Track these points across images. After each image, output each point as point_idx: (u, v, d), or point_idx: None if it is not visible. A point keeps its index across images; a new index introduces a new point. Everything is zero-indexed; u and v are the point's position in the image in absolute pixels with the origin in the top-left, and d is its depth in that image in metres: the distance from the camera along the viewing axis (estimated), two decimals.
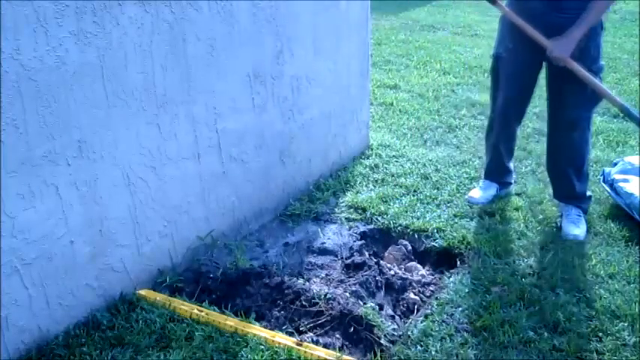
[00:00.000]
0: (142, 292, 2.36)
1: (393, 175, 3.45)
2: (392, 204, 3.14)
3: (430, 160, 3.64)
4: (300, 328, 2.22)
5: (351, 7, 3.39)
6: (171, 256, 2.51)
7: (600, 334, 2.21)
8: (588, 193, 3.04)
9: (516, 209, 3.08)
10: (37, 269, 1.99)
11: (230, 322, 2.20)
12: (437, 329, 2.22)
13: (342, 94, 3.48)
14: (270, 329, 2.20)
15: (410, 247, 2.82)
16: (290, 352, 2.05)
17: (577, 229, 2.85)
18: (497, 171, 3.23)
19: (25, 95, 1.84)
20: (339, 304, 2.25)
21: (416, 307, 2.40)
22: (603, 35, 2.79)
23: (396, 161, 3.63)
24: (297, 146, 3.15)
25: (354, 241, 2.84)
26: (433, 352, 2.11)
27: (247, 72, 2.70)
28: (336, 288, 2.39)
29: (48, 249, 2.01)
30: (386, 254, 2.78)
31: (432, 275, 2.66)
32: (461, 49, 6.43)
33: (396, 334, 2.21)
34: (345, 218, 3.04)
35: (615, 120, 4.48)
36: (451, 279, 2.54)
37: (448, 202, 3.16)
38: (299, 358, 2.04)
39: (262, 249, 2.81)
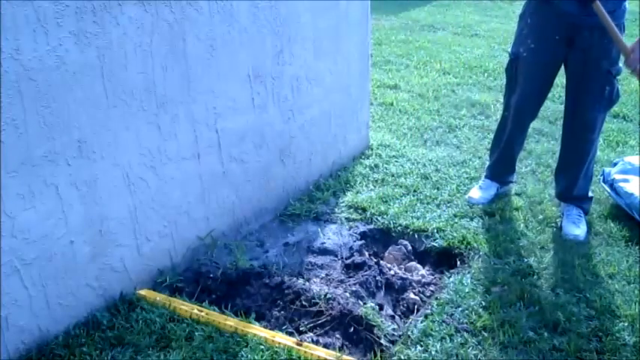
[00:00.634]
0: (142, 292, 2.36)
1: (393, 175, 3.45)
2: (392, 204, 3.14)
3: (430, 160, 3.64)
4: (300, 328, 2.22)
5: (351, 7, 3.39)
6: (171, 256, 2.51)
7: (600, 334, 2.21)
8: (590, 193, 3.04)
9: (516, 209, 3.08)
10: (37, 269, 1.99)
11: (230, 322, 2.20)
12: (437, 329, 2.22)
13: (342, 94, 3.48)
14: (270, 329, 2.20)
15: (410, 247, 2.82)
16: (290, 352, 2.05)
17: (577, 230, 2.86)
18: (504, 170, 3.23)
19: (25, 95, 1.84)
20: (339, 304, 2.25)
21: (416, 307, 2.40)
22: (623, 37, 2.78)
23: (396, 161, 3.63)
24: (297, 146, 3.15)
25: (354, 241, 2.84)
26: (433, 352, 2.11)
27: (247, 72, 2.70)
28: (336, 288, 2.39)
29: (48, 249, 2.01)
30: (386, 254, 2.78)
31: (432, 275, 2.66)
32: (461, 49, 6.43)
33: (396, 334, 2.21)
34: (345, 218, 3.04)
35: (615, 120, 4.49)
36: (451, 279, 2.54)
37: (448, 202, 3.16)
38: (299, 358, 2.04)
39: (262, 249, 2.81)
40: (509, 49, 3.01)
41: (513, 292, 2.42)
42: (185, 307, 2.27)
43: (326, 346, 2.11)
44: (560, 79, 3.02)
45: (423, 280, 2.59)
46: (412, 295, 2.46)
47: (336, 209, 3.12)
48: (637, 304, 2.36)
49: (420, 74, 5.51)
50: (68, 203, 2.04)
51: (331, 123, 3.42)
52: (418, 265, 2.70)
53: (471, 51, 6.32)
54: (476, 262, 2.64)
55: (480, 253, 2.71)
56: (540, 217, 3.02)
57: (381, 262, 2.64)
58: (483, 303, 2.37)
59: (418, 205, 3.13)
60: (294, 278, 2.46)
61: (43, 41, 1.85)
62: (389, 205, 3.13)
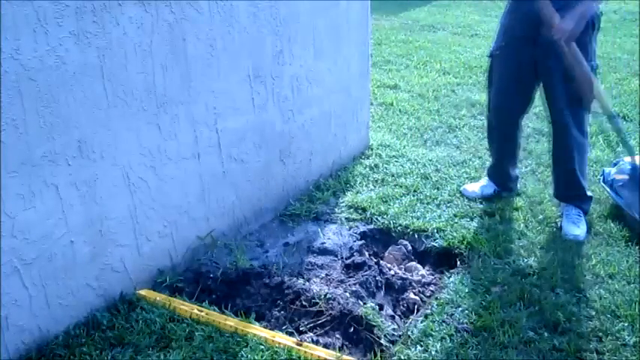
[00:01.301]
0: (142, 292, 2.36)
1: (393, 175, 3.45)
2: (392, 204, 3.14)
3: (430, 160, 3.64)
4: (300, 328, 2.22)
5: (351, 7, 3.39)
6: (171, 256, 2.51)
7: (600, 334, 2.21)
8: (589, 193, 3.04)
9: (516, 209, 3.08)
10: (37, 269, 1.99)
11: (230, 322, 2.20)
12: (437, 329, 2.22)
13: (342, 94, 3.48)
14: (270, 329, 2.20)
15: (410, 247, 2.82)
16: (290, 352, 2.05)
17: (577, 229, 2.85)
18: (498, 173, 3.24)
19: (25, 95, 1.84)
20: (339, 304, 2.25)
21: (416, 307, 2.40)
22: (595, 35, 2.79)
23: (396, 161, 3.63)
24: (297, 146, 3.15)
25: (354, 241, 2.84)
26: (433, 352, 2.11)
27: (247, 72, 2.70)
28: (336, 288, 2.39)
29: (48, 249, 2.01)
30: (386, 254, 2.78)
31: (432, 275, 2.66)
32: (461, 49, 6.44)
33: (396, 334, 2.21)
34: (345, 218, 3.04)
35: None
36: (451, 279, 2.54)
37: (448, 202, 3.16)
38: (299, 358, 2.04)
39: (262, 249, 2.81)
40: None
41: (513, 292, 2.42)
42: (185, 307, 2.27)
43: (326, 346, 2.11)
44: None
45: (423, 280, 2.59)
46: (412, 295, 2.45)
47: (336, 209, 3.12)
48: (637, 304, 2.35)
49: (420, 74, 5.52)
50: (68, 203, 2.04)
51: (331, 123, 3.42)
52: (418, 265, 2.70)
53: (471, 51, 6.32)
54: (476, 262, 2.64)
55: (480, 253, 2.71)
56: (540, 217, 3.02)
57: (381, 262, 2.64)
58: (483, 303, 2.37)
59: (418, 205, 3.13)
60: (294, 278, 2.46)
61: (43, 41, 1.85)
62: (389, 205, 3.12)
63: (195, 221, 2.59)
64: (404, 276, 2.57)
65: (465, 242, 2.79)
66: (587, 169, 3.06)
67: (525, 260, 2.65)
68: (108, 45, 2.05)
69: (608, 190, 3.11)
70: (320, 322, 2.23)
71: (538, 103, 4.75)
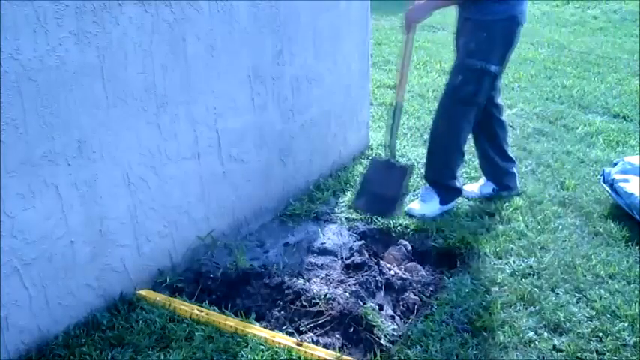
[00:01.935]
0: (142, 292, 2.36)
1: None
2: None
3: None
4: (300, 328, 2.22)
5: (351, 7, 3.39)
6: (171, 256, 2.51)
7: (600, 334, 2.21)
8: (447, 182, 3.07)
9: (516, 209, 3.08)
10: (37, 269, 1.99)
11: (230, 322, 2.20)
12: (437, 329, 2.22)
13: (342, 94, 3.48)
14: (270, 329, 2.20)
15: (410, 247, 2.82)
16: (290, 352, 2.05)
17: (418, 206, 3.02)
18: (492, 172, 3.25)
19: (25, 95, 1.84)
20: (339, 304, 2.25)
21: (416, 307, 2.40)
22: (494, 40, 2.81)
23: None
24: (297, 146, 3.15)
25: (354, 241, 2.84)
26: (433, 352, 2.11)
27: (247, 72, 2.70)
28: (336, 288, 2.39)
29: (48, 249, 2.01)
30: (386, 254, 2.77)
31: (432, 275, 2.66)
32: None
33: (396, 334, 2.21)
34: (345, 218, 3.04)
35: (615, 120, 4.49)
36: (451, 279, 2.54)
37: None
38: (299, 358, 2.04)
39: (262, 249, 2.81)
40: None
41: (513, 292, 2.42)
42: (185, 307, 2.27)
43: (326, 346, 2.11)
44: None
45: (423, 280, 2.59)
46: (412, 295, 2.45)
47: (336, 209, 3.12)
48: (637, 304, 2.35)
49: (420, 74, 5.51)
50: (68, 203, 2.04)
51: (331, 123, 3.42)
52: (418, 265, 2.70)
53: None
54: (476, 262, 2.64)
55: (480, 253, 2.71)
56: (540, 217, 3.02)
57: (381, 262, 2.64)
58: (483, 303, 2.37)
59: None
60: (294, 278, 2.46)
61: (43, 41, 1.85)
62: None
63: (195, 221, 2.59)
64: (404, 276, 2.57)
65: (465, 242, 2.79)
66: (453, 159, 3.09)
67: (525, 260, 2.65)
68: (108, 45, 2.05)
69: (608, 190, 3.11)
70: (320, 322, 2.23)
71: (538, 103, 4.78)
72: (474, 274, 2.56)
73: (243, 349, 2.07)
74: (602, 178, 3.22)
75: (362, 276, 2.46)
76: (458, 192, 3.12)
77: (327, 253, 2.75)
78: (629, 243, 2.79)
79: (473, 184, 3.30)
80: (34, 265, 1.98)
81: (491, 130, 3.18)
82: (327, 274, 2.54)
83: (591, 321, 2.28)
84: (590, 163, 3.68)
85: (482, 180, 3.29)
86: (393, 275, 2.53)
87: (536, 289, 2.44)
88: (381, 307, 2.33)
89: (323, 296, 2.29)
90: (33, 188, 1.92)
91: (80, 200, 2.08)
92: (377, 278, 2.46)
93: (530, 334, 2.20)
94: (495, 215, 3.03)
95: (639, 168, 3.11)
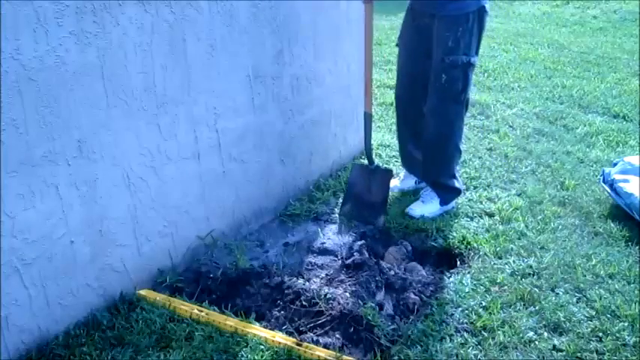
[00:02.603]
0: (142, 292, 2.36)
1: (396, 174, 3.45)
2: (392, 204, 3.14)
3: None
4: (300, 328, 2.22)
5: (351, 7, 3.39)
6: (171, 256, 2.51)
7: (600, 334, 2.21)
8: (450, 183, 3.09)
9: (516, 209, 3.08)
10: (37, 269, 1.99)
11: (230, 322, 2.20)
12: (437, 329, 2.22)
13: (342, 94, 3.48)
14: (270, 329, 2.20)
15: (410, 247, 2.82)
16: (290, 352, 2.05)
17: (419, 208, 3.03)
18: (407, 162, 3.30)
19: (25, 95, 1.84)
20: (339, 304, 2.25)
21: (416, 307, 2.40)
22: (474, 29, 2.81)
23: (396, 161, 3.63)
24: (297, 146, 3.15)
25: (354, 241, 2.84)
26: (433, 352, 2.11)
27: (247, 72, 2.70)
28: (336, 288, 2.39)
29: (48, 249, 2.01)
30: (386, 254, 2.77)
31: (432, 275, 2.66)
32: None
33: (396, 334, 2.21)
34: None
35: (615, 120, 4.49)
36: (451, 279, 2.54)
37: None
38: (299, 358, 2.04)
39: (262, 249, 2.81)
40: None
41: (513, 292, 2.42)
42: (185, 307, 2.27)
43: (326, 346, 2.11)
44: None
45: (423, 280, 2.59)
46: (412, 295, 2.45)
47: (336, 209, 3.12)
48: (637, 304, 2.36)
49: None
50: (68, 203, 2.04)
51: (331, 123, 3.42)
52: (418, 265, 2.70)
53: None
54: (476, 262, 2.64)
55: (480, 253, 2.71)
56: (540, 217, 3.02)
57: (381, 262, 2.64)
58: (483, 303, 2.37)
59: None
60: (294, 278, 2.46)
61: (43, 41, 1.85)
62: (389, 204, 3.12)
63: (195, 221, 2.59)
64: (404, 276, 2.56)
65: (465, 242, 2.79)
66: (451, 158, 3.09)
67: (525, 260, 2.65)
68: (108, 45, 2.05)
69: (608, 190, 3.12)
70: (320, 322, 2.23)
71: (539, 103, 4.78)
72: (474, 274, 2.56)
73: (243, 349, 2.07)
74: (602, 178, 3.22)
75: (362, 276, 2.46)
76: (458, 192, 3.12)
77: (327, 253, 2.75)
78: (629, 243, 2.79)
79: (395, 179, 3.32)
80: (34, 265, 1.98)
81: (417, 127, 3.12)
82: (327, 274, 2.54)
83: (591, 321, 2.28)
84: (590, 163, 3.68)
85: (402, 173, 3.34)
86: (393, 275, 2.54)
87: (536, 289, 2.44)
88: (381, 307, 2.33)
89: (323, 296, 2.29)
90: (33, 188, 1.92)
91: (80, 200, 2.08)
92: (377, 278, 2.46)
93: (530, 334, 2.20)
94: (495, 215, 3.03)
95: (639, 168, 3.11)
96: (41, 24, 1.84)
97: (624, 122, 4.44)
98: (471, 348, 2.14)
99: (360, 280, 2.43)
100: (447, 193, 3.08)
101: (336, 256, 2.72)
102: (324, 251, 2.77)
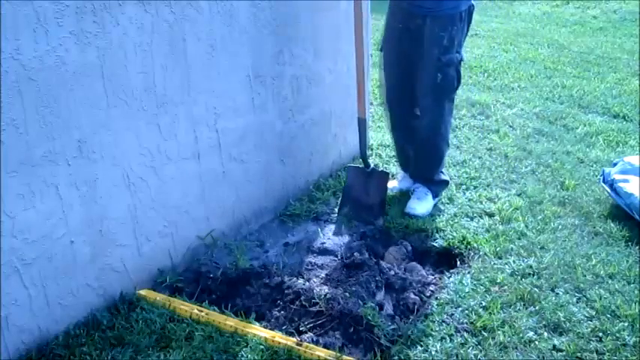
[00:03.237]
0: (142, 292, 2.36)
1: (393, 176, 3.45)
2: (392, 204, 3.14)
3: None
4: (300, 328, 2.22)
5: (351, 7, 3.38)
6: (171, 256, 2.51)
7: (600, 334, 2.21)
8: (442, 177, 3.15)
9: (516, 209, 3.08)
10: (37, 269, 1.99)
11: (230, 322, 2.20)
12: (437, 329, 2.22)
13: (342, 94, 3.48)
14: (270, 329, 2.20)
15: (410, 247, 2.82)
16: (290, 352, 2.05)
17: (418, 206, 3.02)
18: (406, 163, 3.29)
19: (25, 95, 1.84)
20: (339, 304, 2.25)
21: (416, 307, 2.40)
22: (463, 28, 2.84)
23: (396, 161, 3.63)
24: (297, 146, 3.15)
25: (354, 241, 2.84)
26: (433, 352, 2.11)
27: (247, 72, 2.70)
28: (336, 288, 2.39)
29: (48, 249, 2.01)
30: (386, 254, 2.77)
31: (432, 275, 2.66)
32: None
33: (396, 334, 2.21)
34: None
35: (615, 120, 4.49)
36: (451, 279, 2.54)
37: (448, 202, 3.16)
38: (299, 358, 2.04)
39: (262, 249, 2.81)
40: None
41: (513, 292, 2.42)
42: (185, 307, 2.27)
43: (326, 346, 2.11)
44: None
45: (423, 280, 2.59)
46: (412, 295, 2.45)
47: (336, 209, 3.12)
48: (637, 304, 2.36)
49: None
50: (68, 203, 2.04)
51: (331, 123, 3.42)
52: (418, 265, 2.70)
53: (471, 51, 6.32)
54: (476, 262, 2.64)
55: (480, 253, 2.71)
56: (540, 217, 3.02)
57: (381, 262, 2.64)
58: (483, 303, 2.37)
59: None
60: (294, 278, 2.46)
61: (43, 41, 1.85)
62: (389, 205, 3.13)
63: (195, 221, 2.59)
64: (404, 276, 2.56)
65: (465, 242, 2.79)
66: (443, 154, 3.13)
67: (525, 260, 2.65)
68: (108, 45, 2.05)
69: (608, 190, 3.12)
70: (320, 322, 2.23)
71: (539, 103, 4.78)
72: (474, 274, 2.56)
73: (243, 349, 2.07)
74: (602, 178, 3.22)
75: (362, 276, 2.46)
76: (447, 183, 3.20)
77: (327, 253, 2.75)
78: (629, 243, 2.79)
79: (393, 181, 3.31)
80: (34, 265, 1.98)
81: (410, 127, 3.13)
82: (327, 274, 2.54)
83: (591, 321, 2.28)
84: (590, 163, 3.68)
85: (401, 174, 3.34)
86: (393, 275, 2.54)
87: (536, 289, 2.44)
88: (381, 307, 2.33)
89: (323, 296, 2.29)
90: (33, 188, 1.92)
91: (80, 200, 2.08)
92: (377, 278, 2.46)
93: (530, 334, 2.20)
94: (495, 215, 3.03)
95: (639, 168, 3.11)
96: (41, 24, 1.84)
97: (624, 122, 4.44)
98: (471, 348, 2.14)
99: (360, 280, 2.43)
100: (438, 186, 3.14)
101: (336, 256, 2.72)
102: (324, 251, 2.77)
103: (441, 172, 3.17)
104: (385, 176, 3.09)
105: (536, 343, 2.16)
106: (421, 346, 2.14)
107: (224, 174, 2.69)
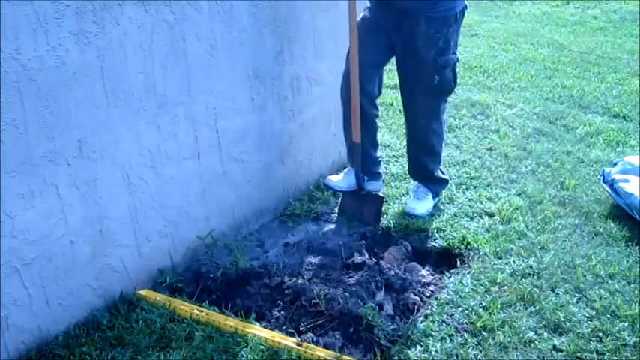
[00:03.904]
0: (142, 292, 2.36)
1: (393, 175, 3.45)
2: (392, 204, 3.14)
3: None
4: (300, 328, 2.22)
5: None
6: (172, 256, 2.51)
7: (600, 334, 2.21)
8: (442, 176, 3.14)
9: (516, 209, 3.08)
10: (37, 269, 1.99)
11: (230, 322, 2.20)
12: (437, 329, 2.22)
13: None
14: (270, 329, 2.20)
15: (410, 247, 2.82)
16: (290, 352, 2.05)
17: (419, 206, 3.01)
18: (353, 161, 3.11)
19: (25, 95, 1.84)
20: (339, 304, 2.25)
21: (416, 307, 2.40)
22: (458, 30, 2.82)
23: (396, 161, 3.64)
24: (297, 146, 3.15)
25: (354, 241, 2.84)
26: (433, 352, 2.11)
27: (247, 72, 2.70)
28: (336, 288, 2.39)
29: (48, 249, 2.01)
30: (386, 254, 2.77)
31: (432, 275, 2.66)
32: (461, 49, 6.39)
33: (396, 334, 2.21)
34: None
35: (615, 120, 4.49)
36: (451, 279, 2.54)
37: (448, 202, 3.16)
38: (299, 358, 2.04)
39: (262, 249, 2.81)
40: None
41: (513, 292, 2.42)
42: (185, 307, 2.27)
43: (326, 346, 2.11)
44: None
45: (423, 280, 2.59)
46: (412, 295, 2.45)
47: (336, 209, 3.12)
48: (637, 304, 2.36)
49: None
50: (68, 203, 2.04)
51: (331, 123, 3.42)
52: (418, 265, 2.70)
53: (471, 51, 6.33)
54: (476, 262, 2.64)
55: (480, 253, 2.71)
56: (540, 217, 3.02)
57: (381, 262, 2.64)
58: (483, 303, 2.37)
59: None
60: (294, 278, 2.46)
61: (43, 41, 1.85)
62: (389, 205, 3.13)
63: (195, 221, 2.59)
64: (404, 276, 2.57)
65: (465, 242, 2.79)
66: (440, 153, 3.11)
67: (525, 260, 2.65)
68: (108, 45, 2.05)
69: (608, 190, 3.12)
70: (320, 322, 2.23)
71: (539, 103, 4.78)
72: (474, 274, 2.56)
73: (243, 349, 2.07)
74: (602, 178, 3.22)
75: (362, 276, 2.46)
76: (446, 182, 3.19)
77: (327, 253, 2.74)
78: (629, 243, 2.79)
79: (337, 175, 3.18)
80: (34, 265, 1.98)
81: (370, 122, 3.07)
82: (327, 274, 2.54)
83: (591, 321, 2.28)
84: (590, 163, 3.68)
85: (347, 169, 3.17)
86: (393, 275, 2.54)
87: (536, 289, 2.44)
88: (381, 307, 2.33)
89: (323, 296, 2.29)
90: (33, 188, 1.92)
91: (80, 200, 2.08)
92: (377, 278, 2.46)
93: (530, 334, 2.20)
94: (495, 215, 3.03)
95: (639, 168, 3.11)
96: (41, 24, 1.84)
97: (624, 122, 4.44)
98: (471, 348, 2.14)
99: (360, 280, 2.43)
100: (439, 185, 3.14)
101: (336, 256, 2.72)
102: (324, 251, 2.76)
103: (441, 171, 3.17)
104: (380, 200, 3.04)
105: (536, 343, 2.16)
106: (421, 346, 2.14)
107: (224, 174, 2.69)
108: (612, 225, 2.94)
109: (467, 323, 2.26)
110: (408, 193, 3.24)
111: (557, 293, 2.43)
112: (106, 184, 2.16)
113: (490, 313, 2.30)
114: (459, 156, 3.73)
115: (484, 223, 2.95)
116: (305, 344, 2.08)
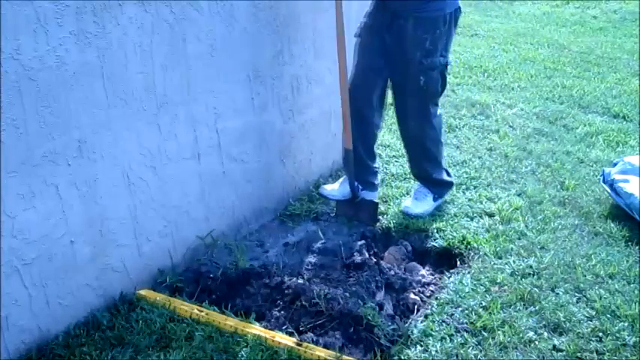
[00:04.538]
0: (142, 292, 2.36)
1: (393, 175, 3.45)
2: (392, 204, 3.14)
3: None
4: (300, 328, 2.22)
5: (351, 7, 3.38)
6: (172, 256, 2.51)
7: (600, 334, 2.21)
8: (443, 177, 3.11)
9: (516, 209, 3.08)
10: (37, 269, 1.99)
11: (230, 322, 2.20)
12: (437, 329, 2.22)
13: None
14: (270, 329, 2.20)
15: (410, 247, 2.82)
16: (290, 352, 2.05)
17: (417, 206, 3.00)
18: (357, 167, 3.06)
19: (25, 95, 1.84)
20: (339, 304, 2.25)
21: (416, 307, 2.40)
22: (448, 31, 2.78)
23: (396, 161, 3.64)
24: (297, 146, 3.15)
25: (354, 241, 2.84)
26: (433, 352, 2.11)
27: (247, 72, 2.70)
28: (336, 288, 2.39)
29: (48, 249, 2.01)
30: (386, 254, 2.78)
31: (432, 275, 2.66)
32: (461, 49, 6.43)
33: (396, 334, 2.21)
34: (346, 218, 3.04)
35: (615, 120, 4.49)
36: (451, 279, 2.54)
37: (448, 202, 3.16)
38: (299, 358, 2.04)
39: (262, 249, 2.81)
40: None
41: (513, 292, 2.42)
42: (185, 307, 2.27)
43: (326, 346, 2.11)
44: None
45: (423, 280, 2.59)
46: (412, 295, 2.46)
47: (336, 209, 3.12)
48: (637, 304, 2.36)
49: None
50: (68, 203, 2.04)
51: (331, 123, 3.42)
52: (418, 265, 2.70)
53: (471, 51, 6.33)
54: (476, 262, 2.64)
55: (480, 253, 2.71)
56: (540, 217, 3.02)
57: (381, 262, 2.64)
58: (483, 303, 2.37)
59: None
60: (294, 278, 2.46)
61: (43, 41, 1.85)
62: (389, 205, 3.13)
63: (195, 221, 2.59)
64: (404, 276, 2.57)
65: (465, 242, 2.79)
66: (438, 154, 3.08)
67: (525, 260, 2.65)
68: (108, 45, 2.05)
69: (608, 190, 3.12)
70: (320, 322, 2.23)
71: (539, 103, 4.78)
72: (474, 274, 2.56)
73: (243, 349, 2.07)
74: (602, 178, 3.22)
75: (362, 276, 2.46)
76: (450, 184, 3.15)
77: (327, 253, 2.74)
78: (629, 243, 2.79)
79: (332, 184, 3.19)
80: (34, 265, 1.98)
81: (369, 131, 3.07)
82: (327, 274, 2.54)
83: (591, 321, 2.28)
84: (590, 163, 3.68)
85: (343, 178, 3.17)
86: (393, 275, 2.54)
87: (536, 289, 2.44)
88: (381, 307, 2.33)
89: (323, 296, 2.29)
90: (33, 188, 1.92)
91: (80, 200, 2.08)
92: (377, 278, 2.46)
93: (530, 334, 2.20)
94: (495, 215, 3.03)
95: (639, 168, 3.11)
96: (41, 24, 1.84)
97: (624, 122, 4.44)
98: (471, 348, 2.14)
99: (360, 280, 2.43)
100: (441, 187, 3.11)
101: (336, 256, 2.72)
102: (324, 251, 2.76)
103: (446, 172, 3.13)
104: (374, 206, 3.02)
105: (536, 343, 2.16)
106: (421, 346, 2.14)
107: (224, 174, 2.69)
108: (612, 225, 2.94)
109: (467, 323, 2.26)
110: (408, 193, 3.24)
111: (557, 293, 2.43)
112: (106, 184, 2.16)
113: (490, 313, 2.30)
114: (459, 156, 3.73)
115: (484, 223, 2.95)
116: (305, 344, 2.08)
